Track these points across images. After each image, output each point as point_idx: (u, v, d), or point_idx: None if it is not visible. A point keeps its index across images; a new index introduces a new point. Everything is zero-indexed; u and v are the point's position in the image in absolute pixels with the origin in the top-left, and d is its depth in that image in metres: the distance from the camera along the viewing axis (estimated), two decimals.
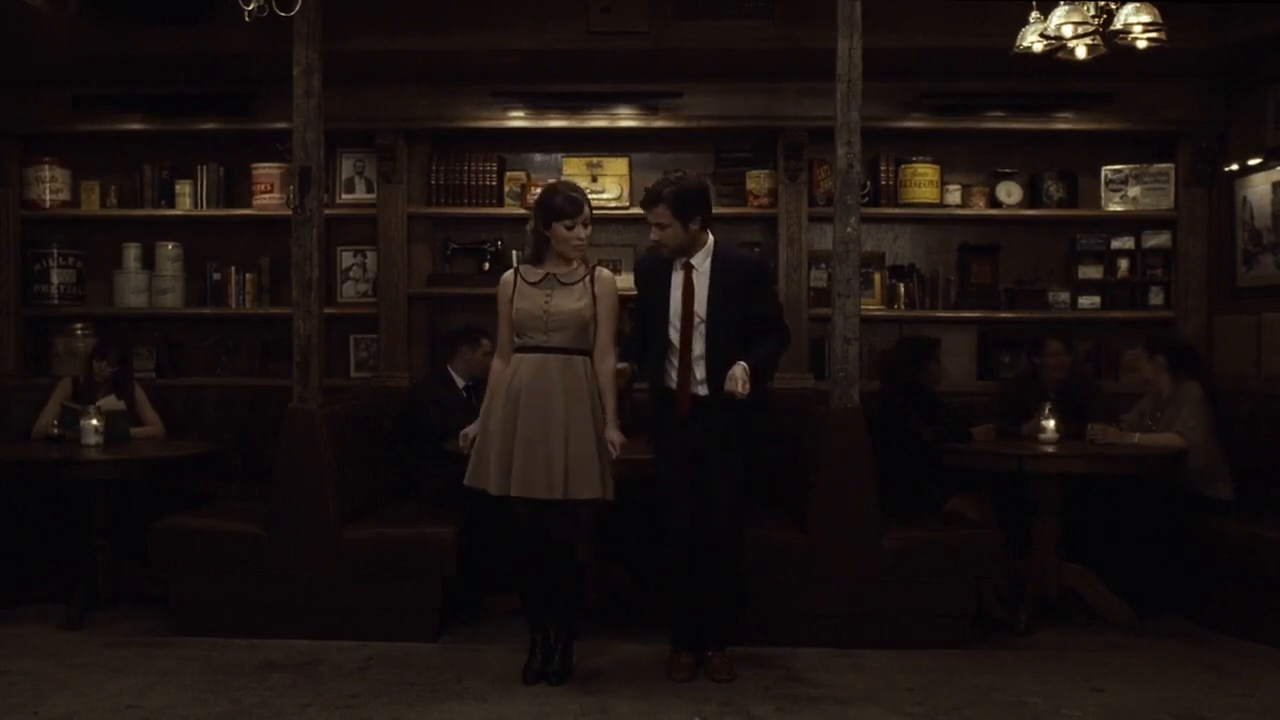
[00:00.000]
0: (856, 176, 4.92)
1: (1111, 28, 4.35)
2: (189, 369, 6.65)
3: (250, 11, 4.37)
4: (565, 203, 4.29)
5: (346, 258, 6.58)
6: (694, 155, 6.58)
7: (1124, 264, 6.51)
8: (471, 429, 4.43)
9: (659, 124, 6.31)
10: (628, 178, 6.44)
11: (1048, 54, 4.59)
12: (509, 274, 4.45)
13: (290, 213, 5.11)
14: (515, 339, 4.35)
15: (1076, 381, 6.04)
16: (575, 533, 4.49)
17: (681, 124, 6.29)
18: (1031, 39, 4.51)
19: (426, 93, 6.24)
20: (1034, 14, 4.54)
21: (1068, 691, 4.39)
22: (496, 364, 4.46)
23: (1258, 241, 5.89)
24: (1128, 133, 6.37)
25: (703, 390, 4.43)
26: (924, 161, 6.43)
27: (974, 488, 5.52)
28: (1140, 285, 6.50)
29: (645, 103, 6.23)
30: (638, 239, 6.58)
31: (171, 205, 6.56)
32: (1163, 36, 4.44)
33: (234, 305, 6.57)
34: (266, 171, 6.40)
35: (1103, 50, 4.58)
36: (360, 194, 6.52)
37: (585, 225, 4.32)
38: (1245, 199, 5.98)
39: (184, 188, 6.52)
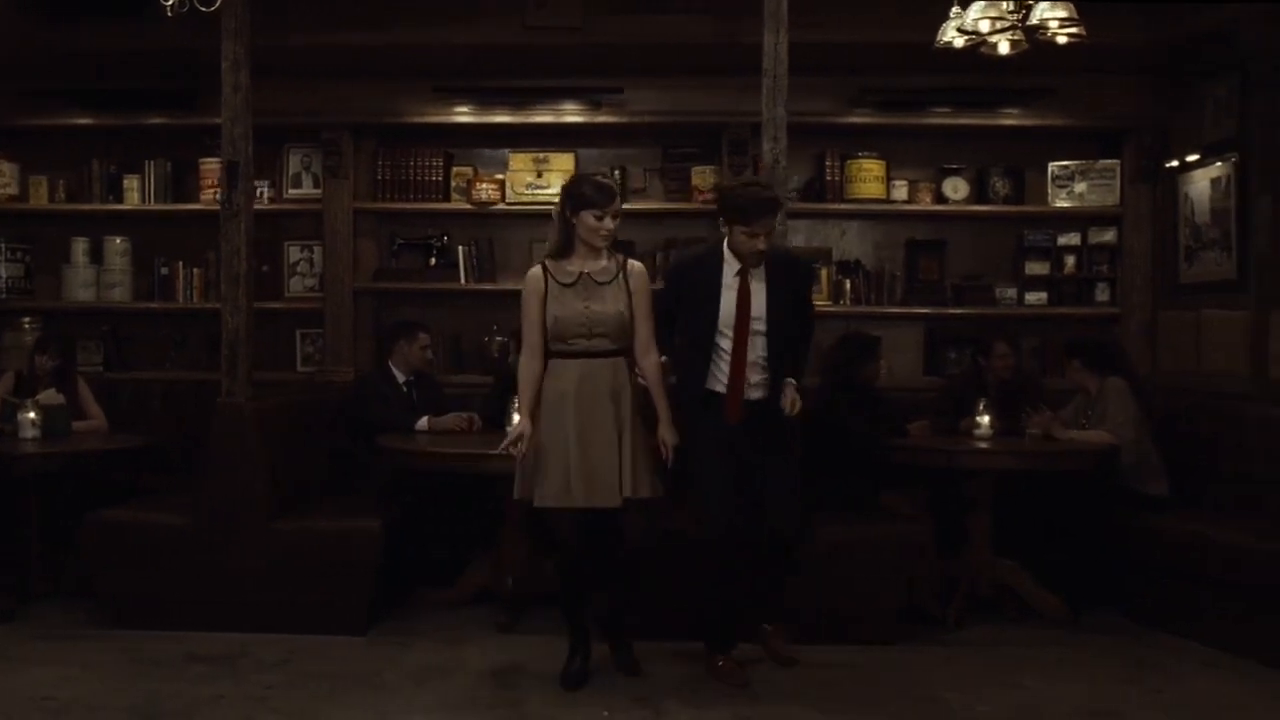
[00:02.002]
0: (783, 172, 4.93)
1: (1029, 23, 4.33)
2: (137, 363, 6.66)
3: (171, 6, 4.41)
4: (595, 191, 4.16)
5: (294, 252, 6.60)
6: (641, 151, 6.59)
7: (1070, 260, 6.52)
8: (522, 429, 4.21)
9: (603, 119, 6.33)
10: (572, 173, 6.43)
11: (971, 49, 4.60)
12: (537, 271, 4.30)
13: None
14: (552, 343, 4.22)
15: (1020, 379, 6.03)
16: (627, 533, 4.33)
17: (626, 119, 6.31)
18: (951, 34, 4.51)
19: (371, 88, 6.26)
20: (954, 9, 4.54)
21: (986, 687, 4.38)
22: (524, 363, 4.31)
23: (1198, 238, 5.89)
24: (1074, 129, 6.38)
25: (757, 394, 4.34)
26: (870, 157, 6.43)
27: (912, 484, 5.53)
28: (1087, 281, 6.50)
29: (589, 98, 6.25)
30: None
31: (119, 200, 6.58)
32: (1082, 33, 4.42)
33: (182, 300, 6.58)
34: (214, 166, 6.35)
35: (1025, 46, 4.58)
36: (307, 189, 6.54)
37: (615, 216, 4.18)
38: (1187, 195, 5.98)
39: (132, 182, 6.54)
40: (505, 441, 4.28)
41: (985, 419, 5.48)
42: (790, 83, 6.28)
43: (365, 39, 5.81)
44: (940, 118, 6.35)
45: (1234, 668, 4.64)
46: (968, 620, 5.22)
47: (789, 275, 4.38)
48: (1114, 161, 6.40)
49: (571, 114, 6.34)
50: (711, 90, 6.19)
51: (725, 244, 4.36)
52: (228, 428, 4.96)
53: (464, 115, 6.34)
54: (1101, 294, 6.47)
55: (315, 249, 6.55)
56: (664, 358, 4.37)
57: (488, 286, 6.52)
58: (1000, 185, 6.51)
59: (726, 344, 4.31)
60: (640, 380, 4.32)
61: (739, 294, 4.29)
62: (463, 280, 6.49)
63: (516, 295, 6.38)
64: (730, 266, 4.32)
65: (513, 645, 4.82)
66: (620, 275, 4.24)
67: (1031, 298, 6.51)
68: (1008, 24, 4.34)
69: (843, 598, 4.90)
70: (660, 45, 5.77)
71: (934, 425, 5.68)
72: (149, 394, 6.42)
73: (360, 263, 6.52)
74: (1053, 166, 6.45)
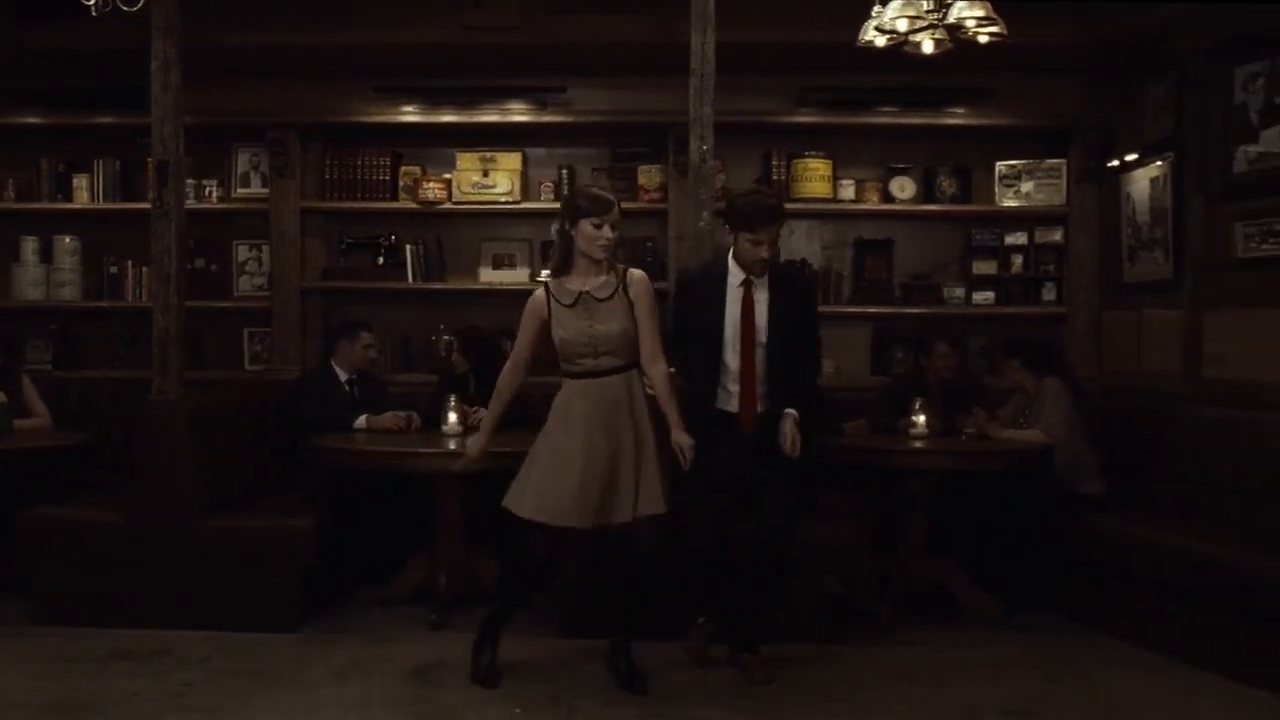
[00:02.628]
0: (710, 170, 4.95)
1: (947, 21, 4.32)
2: (87, 362, 6.66)
3: (95, 5, 4.43)
4: (591, 201, 4.14)
5: (242, 251, 6.61)
6: (589, 150, 6.61)
7: (1018, 260, 6.50)
8: (476, 452, 4.38)
9: (550, 119, 6.34)
10: (520, 172, 6.44)
11: (894, 48, 4.58)
12: (540, 294, 4.26)
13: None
14: (561, 363, 4.23)
15: (963, 378, 6.03)
16: (654, 542, 4.27)
17: (571, 119, 6.32)
18: (872, 33, 4.49)
19: (316, 88, 6.25)
20: (876, 7, 4.52)
21: (905, 687, 4.39)
22: (503, 376, 4.35)
23: (1139, 238, 5.88)
24: (1020, 128, 6.37)
25: (764, 407, 4.37)
26: (816, 156, 6.43)
27: (853, 484, 5.53)
28: (1034, 281, 6.49)
29: (535, 98, 6.27)
30: (533, 234, 6.60)
31: (69, 199, 6.58)
32: (1002, 31, 4.39)
33: (131, 299, 6.58)
34: None
35: (949, 45, 4.56)
36: (256, 188, 6.53)
37: (614, 226, 4.14)
38: (1129, 195, 5.97)
39: (81, 181, 6.55)
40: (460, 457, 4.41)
41: (921, 419, 5.48)
42: (735, 82, 6.31)
43: (306, 39, 5.82)
44: (886, 117, 6.35)
45: (1163, 669, 4.64)
46: (903, 619, 5.21)
47: (792, 288, 4.42)
48: (1060, 161, 6.38)
49: (518, 113, 6.34)
50: (657, 90, 6.16)
51: (730, 254, 4.40)
52: (157, 426, 4.98)
53: (411, 115, 6.35)
54: (1048, 294, 6.46)
55: (264, 248, 6.56)
56: (672, 369, 4.33)
57: (436, 286, 6.53)
58: (947, 185, 6.50)
59: (731, 357, 4.34)
60: (648, 390, 4.27)
61: (743, 304, 4.32)
62: (410, 280, 6.50)
63: (464, 295, 6.55)
64: (735, 276, 4.36)
65: (441, 643, 4.82)
66: (620, 288, 4.19)
67: (979, 297, 6.50)
68: (925, 23, 4.32)
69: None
70: (601, 45, 5.77)
71: (872, 425, 5.68)
72: (99, 392, 6.41)
73: (309, 262, 6.53)
74: (1000, 166, 6.44)
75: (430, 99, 6.27)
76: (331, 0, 5.71)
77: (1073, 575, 5.30)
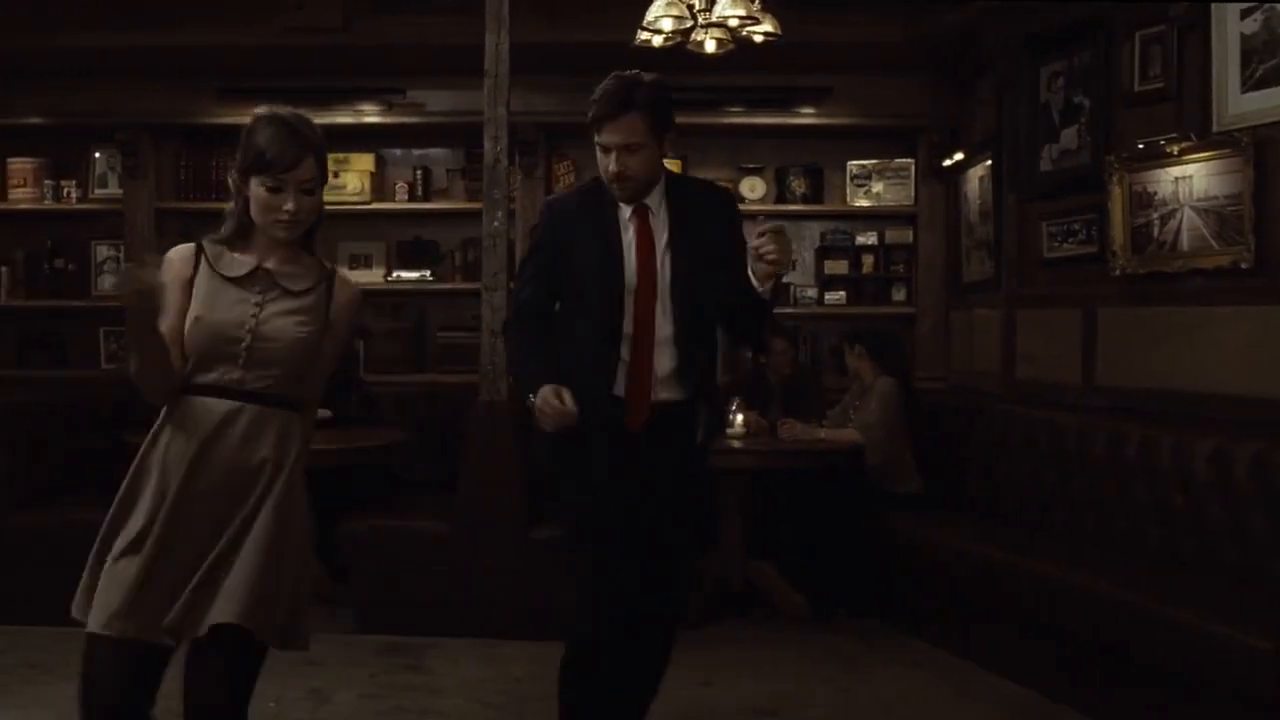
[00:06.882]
0: (504, 171, 4.97)
1: (712, 20, 4.33)
2: None
3: None
4: (271, 143, 2.45)
5: (101, 251, 6.66)
6: (444, 151, 6.65)
7: (869, 260, 6.49)
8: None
9: (401, 120, 6.38)
10: (371, 173, 6.48)
11: (674, 49, 4.59)
12: (185, 250, 2.57)
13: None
14: (191, 368, 2.47)
15: (801, 376, 6.03)
16: (226, 694, 2.42)
17: (421, 120, 6.36)
18: (645, 34, 4.50)
19: (164, 89, 6.30)
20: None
21: (673, 686, 4.37)
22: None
23: (973, 237, 5.85)
24: (869, 127, 6.35)
25: (668, 394, 3.07)
26: (666, 157, 6.40)
27: None
28: (885, 281, 6.47)
29: (380, 99, 6.31)
30: (389, 234, 6.64)
31: None
32: (775, 30, 4.43)
33: None
34: (21, 166, 6.51)
35: (731, 45, 4.58)
36: (113, 189, 6.58)
37: (307, 190, 2.48)
38: (965, 195, 5.95)
39: None
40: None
41: (739, 418, 5.47)
42: (581, 83, 6.33)
43: (147, 40, 5.84)
44: (735, 117, 6.34)
45: (944, 667, 4.63)
46: (715, 619, 5.20)
47: (702, 212, 3.10)
48: (909, 161, 6.37)
49: (370, 114, 6.39)
50: None
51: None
52: None
53: None
54: (898, 293, 6.45)
55: (122, 248, 6.62)
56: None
57: None
58: (798, 185, 6.49)
59: (630, 321, 3.03)
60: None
61: (639, 244, 3.02)
62: None
63: None
64: (624, 208, 3.08)
65: None
66: (323, 287, 2.57)
67: (831, 297, 6.49)
68: (689, 23, 4.33)
69: (561, 595, 4.89)
70: (434, 46, 5.78)
71: None
72: None
73: None
74: (851, 165, 6.43)
75: (278, 100, 6.29)
76: (167, 3, 5.74)
77: (881, 576, 5.29)
